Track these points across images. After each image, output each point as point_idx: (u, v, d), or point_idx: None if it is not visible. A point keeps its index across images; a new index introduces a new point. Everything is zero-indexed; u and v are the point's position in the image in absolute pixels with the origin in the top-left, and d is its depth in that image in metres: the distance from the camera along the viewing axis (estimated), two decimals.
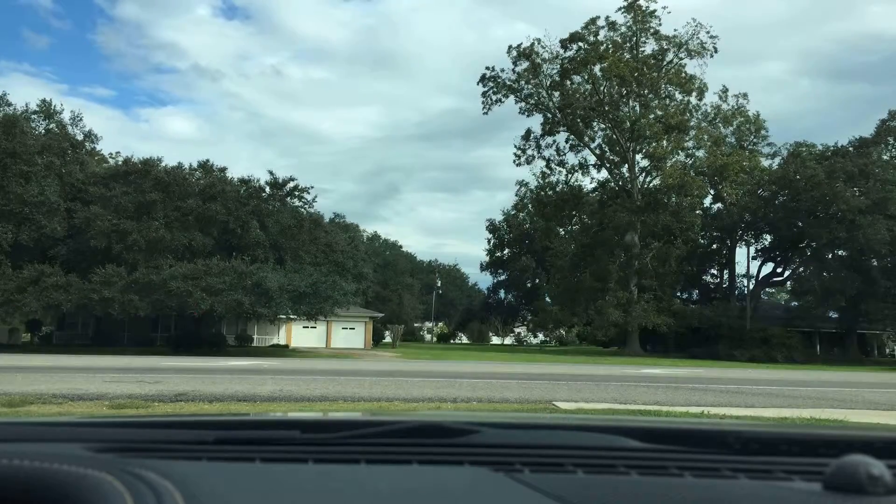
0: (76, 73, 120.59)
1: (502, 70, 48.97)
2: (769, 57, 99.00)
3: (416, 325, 77.34)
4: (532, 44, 47.96)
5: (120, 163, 36.77)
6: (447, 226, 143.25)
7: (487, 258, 75.11)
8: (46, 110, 37.12)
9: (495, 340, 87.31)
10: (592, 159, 50.03)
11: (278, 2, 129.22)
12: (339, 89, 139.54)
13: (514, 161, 51.03)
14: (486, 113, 50.06)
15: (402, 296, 66.58)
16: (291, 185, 35.85)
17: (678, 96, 47.40)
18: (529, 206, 62.44)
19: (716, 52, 47.12)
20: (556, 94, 48.25)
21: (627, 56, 46.38)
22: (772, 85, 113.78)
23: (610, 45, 46.72)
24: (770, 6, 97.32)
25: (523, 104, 49.14)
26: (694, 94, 47.10)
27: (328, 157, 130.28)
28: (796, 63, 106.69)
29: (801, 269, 48.12)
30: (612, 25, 47.15)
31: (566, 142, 49.83)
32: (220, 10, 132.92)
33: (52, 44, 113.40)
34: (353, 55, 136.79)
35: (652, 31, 46.93)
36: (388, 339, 57.81)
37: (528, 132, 50.25)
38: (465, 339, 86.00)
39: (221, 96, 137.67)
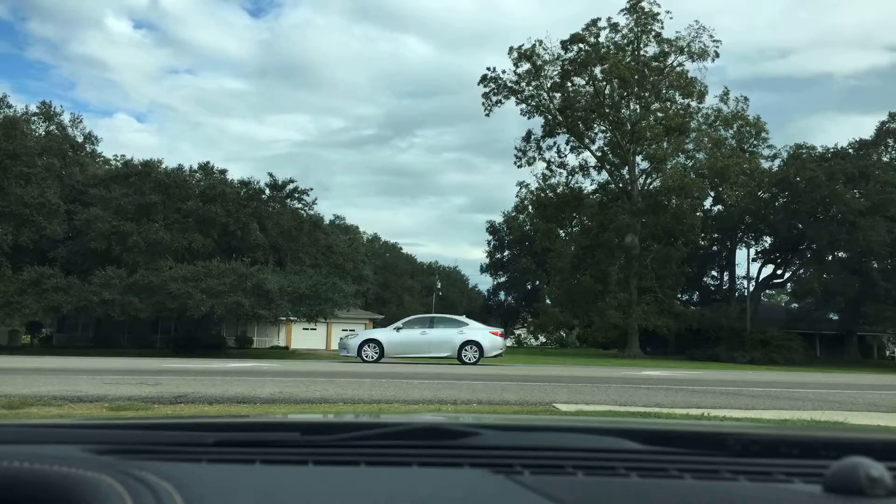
0: (33, 84, 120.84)
1: (503, 71, 49.02)
2: None
3: None
4: (533, 45, 48.00)
5: (120, 165, 36.85)
6: (411, 229, 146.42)
7: (487, 260, 75.18)
8: (46, 112, 37.21)
9: None
10: (593, 161, 50.11)
11: (176, 17, 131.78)
12: (258, 99, 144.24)
13: (515, 163, 51.10)
14: (487, 114, 50.02)
15: (403, 297, 66.61)
16: (291, 186, 35.90)
17: (679, 99, 47.41)
18: (529, 207, 62.42)
19: (717, 56, 47.22)
20: (557, 95, 48.26)
21: (629, 58, 46.40)
22: None
23: (611, 47, 46.75)
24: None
25: (524, 105, 49.16)
26: (695, 96, 47.12)
27: (268, 162, 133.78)
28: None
29: (802, 270, 48.12)
30: (613, 27, 47.18)
31: (567, 143, 49.90)
32: (136, 25, 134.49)
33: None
34: (261, 68, 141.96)
35: (654, 33, 46.95)
36: None
37: (529, 134, 50.31)
38: None
39: (159, 108, 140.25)
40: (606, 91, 46.79)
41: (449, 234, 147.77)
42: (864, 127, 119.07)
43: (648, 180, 47.83)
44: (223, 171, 35.19)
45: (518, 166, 51.19)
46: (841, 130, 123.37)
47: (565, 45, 47.36)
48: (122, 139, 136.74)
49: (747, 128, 50.33)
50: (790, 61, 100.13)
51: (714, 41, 46.89)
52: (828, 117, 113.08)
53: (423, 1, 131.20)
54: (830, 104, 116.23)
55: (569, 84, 47.68)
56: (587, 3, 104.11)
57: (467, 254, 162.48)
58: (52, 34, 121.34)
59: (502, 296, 78.39)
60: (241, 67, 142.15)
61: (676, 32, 47.29)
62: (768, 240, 49.11)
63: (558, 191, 52.18)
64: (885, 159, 43.85)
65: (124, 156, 41.23)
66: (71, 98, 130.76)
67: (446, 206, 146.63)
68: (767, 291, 56.94)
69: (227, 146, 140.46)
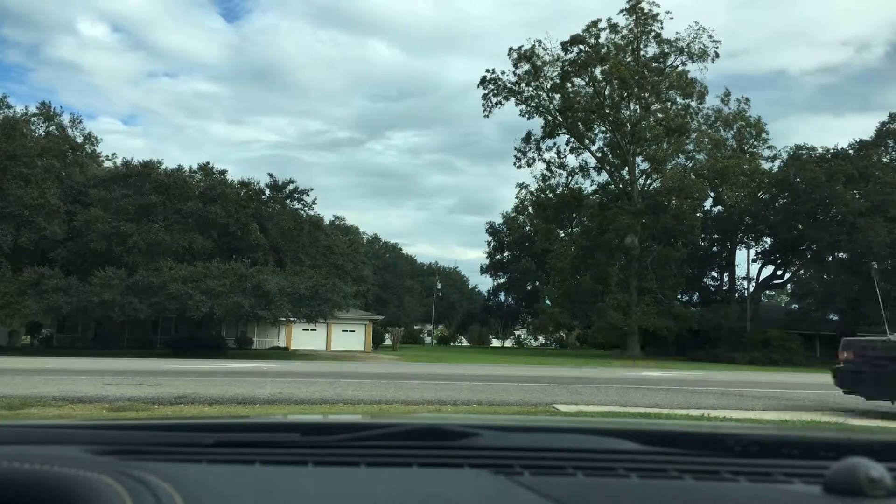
0: (18, 88, 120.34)
1: (503, 72, 49.04)
2: None
3: (416, 327, 77.32)
4: (533, 46, 48.02)
5: (120, 165, 36.85)
6: (399, 230, 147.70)
7: (487, 261, 75.21)
8: (46, 113, 37.22)
9: (495, 343, 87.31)
10: (593, 162, 50.14)
11: (153, 21, 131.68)
12: (236, 102, 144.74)
13: (514, 164, 51.12)
14: (486, 116, 50.04)
15: (403, 298, 66.56)
16: (291, 187, 35.90)
17: (679, 99, 47.42)
18: (529, 208, 62.42)
19: (717, 56, 47.23)
20: (557, 96, 48.26)
21: (629, 59, 46.41)
22: None
23: (611, 48, 46.77)
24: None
25: (524, 106, 49.16)
26: (695, 97, 47.13)
27: (248, 165, 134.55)
28: None
29: (802, 271, 48.12)
30: (613, 28, 47.19)
31: (567, 144, 49.92)
32: (114, 29, 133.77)
33: None
34: (237, 71, 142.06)
35: (654, 34, 46.96)
36: (388, 342, 57.77)
37: (529, 135, 50.31)
38: (465, 342, 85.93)
39: (141, 111, 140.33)
40: (606, 92, 46.78)
41: (438, 236, 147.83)
42: (834, 127, 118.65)
43: (648, 181, 47.83)
44: (223, 172, 35.21)
45: (517, 167, 51.26)
46: (811, 130, 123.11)
47: (565, 45, 47.37)
48: (110, 142, 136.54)
49: (748, 128, 50.36)
50: (745, 60, 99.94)
51: (714, 41, 46.98)
52: (801, 118, 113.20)
53: (382, 5, 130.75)
54: (801, 106, 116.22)
55: (569, 85, 47.69)
56: (544, 6, 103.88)
57: (459, 255, 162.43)
58: (27, 39, 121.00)
59: (502, 297, 78.40)
60: (218, 70, 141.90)
61: (676, 33, 47.36)
62: (768, 240, 49.10)
63: (558, 192, 52.19)
64: (885, 160, 43.85)
65: (115, 154, 41.28)
66: (55, 102, 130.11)
67: (433, 207, 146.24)
68: (767, 292, 56.92)
69: (209, 148, 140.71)
